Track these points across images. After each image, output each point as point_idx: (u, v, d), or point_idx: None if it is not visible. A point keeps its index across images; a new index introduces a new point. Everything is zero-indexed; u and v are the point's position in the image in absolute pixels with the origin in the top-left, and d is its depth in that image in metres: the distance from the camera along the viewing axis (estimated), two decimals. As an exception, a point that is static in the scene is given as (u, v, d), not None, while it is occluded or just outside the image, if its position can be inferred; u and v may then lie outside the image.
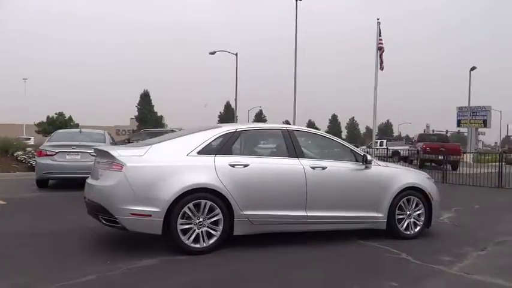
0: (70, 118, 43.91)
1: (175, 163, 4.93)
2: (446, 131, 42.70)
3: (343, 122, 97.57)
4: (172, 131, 20.55)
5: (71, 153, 10.34)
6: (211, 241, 4.91)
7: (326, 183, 5.49)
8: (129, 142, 18.32)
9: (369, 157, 5.76)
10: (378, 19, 21.65)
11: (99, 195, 4.89)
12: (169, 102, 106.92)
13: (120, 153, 4.87)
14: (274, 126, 5.84)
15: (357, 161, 5.79)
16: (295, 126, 6.08)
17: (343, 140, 6.94)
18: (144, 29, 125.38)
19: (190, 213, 4.82)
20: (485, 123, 43.50)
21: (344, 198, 5.59)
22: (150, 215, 4.68)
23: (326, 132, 10.66)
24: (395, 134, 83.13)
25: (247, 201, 5.05)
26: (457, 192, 12.49)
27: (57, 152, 10.28)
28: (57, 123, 41.69)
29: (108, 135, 12.16)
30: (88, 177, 10.18)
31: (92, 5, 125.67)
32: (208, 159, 5.04)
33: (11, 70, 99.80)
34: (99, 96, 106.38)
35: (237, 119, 40.05)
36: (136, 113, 70.22)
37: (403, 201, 5.91)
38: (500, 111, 54.71)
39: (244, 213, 5.04)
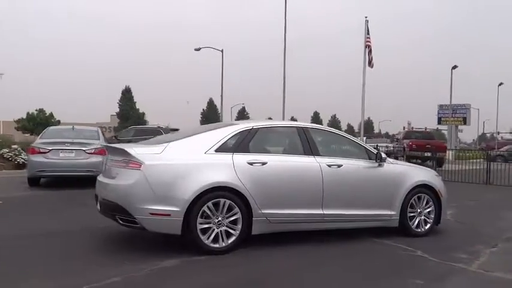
0: (51, 115, 42.73)
1: (194, 161, 4.83)
2: (425, 128, 43.50)
3: (325, 120, 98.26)
4: (159, 127, 20.42)
5: (65, 150, 10.06)
6: (230, 240, 4.83)
7: (342, 181, 5.48)
8: (117, 139, 18.02)
9: (383, 155, 5.78)
10: (366, 17, 21.93)
11: (116, 194, 4.75)
12: (150, 99, 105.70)
13: (137, 151, 4.75)
14: (290, 123, 5.80)
15: (370, 158, 5.80)
16: (310, 124, 6.06)
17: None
18: (129, 28, 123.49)
19: (209, 212, 4.73)
20: (465, 121, 44.50)
21: (359, 196, 5.60)
22: (170, 215, 4.58)
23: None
24: (376, 131, 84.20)
25: (265, 200, 4.99)
26: (447, 189, 12.64)
27: (50, 150, 9.99)
28: (37, 119, 40.66)
29: (101, 132, 11.90)
30: (81, 174, 10.14)
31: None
32: (227, 157, 4.96)
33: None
34: (77, 94, 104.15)
35: (221, 117, 39.79)
36: (118, 110, 69.03)
37: (414, 199, 5.95)
38: (478, 109, 56.03)
39: (263, 212, 4.98)
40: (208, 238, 4.72)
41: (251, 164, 5.01)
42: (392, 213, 5.80)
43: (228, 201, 4.81)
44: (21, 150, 14.53)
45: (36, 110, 43.50)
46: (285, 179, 5.18)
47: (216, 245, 4.76)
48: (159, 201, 4.57)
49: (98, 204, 5.14)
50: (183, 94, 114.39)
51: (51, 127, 12.99)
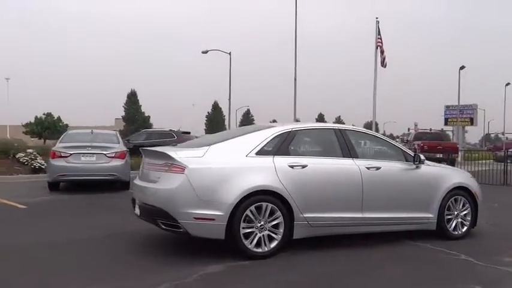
0: (59, 118, 42.83)
1: (237, 164, 4.77)
2: (430, 129, 43.30)
3: (330, 121, 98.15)
4: (171, 130, 20.40)
5: (86, 154, 10.03)
6: (273, 245, 4.77)
7: (381, 184, 5.41)
8: (129, 142, 17.97)
9: (421, 156, 5.70)
10: (376, 18, 21.87)
11: (158, 198, 4.69)
12: (156, 102, 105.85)
13: (179, 154, 4.69)
14: (327, 125, 5.73)
15: (406, 160, 5.72)
16: (347, 126, 5.99)
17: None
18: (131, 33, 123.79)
19: (252, 217, 4.67)
20: (472, 121, 44.31)
21: (398, 199, 5.52)
22: (214, 219, 4.52)
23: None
24: (381, 132, 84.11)
25: (306, 203, 4.92)
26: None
27: (71, 154, 9.95)
28: (45, 123, 40.75)
29: (120, 135, 11.87)
30: (102, 178, 10.09)
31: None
32: (268, 160, 4.90)
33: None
34: (82, 98, 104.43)
35: (228, 120, 39.74)
36: (123, 113, 69.09)
37: (451, 201, 5.87)
38: (484, 110, 55.79)
39: (304, 215, 4.91)
40: (251, 243, 4.66)
41: (292, 167, 4.95)
42: (430, 215, 5.71)
43: (270, 205, 4.74)
44: (37, 155, 14.50)
45: (44, 114, 43.59)
46: (325, 182, 5.12)
47: (259, 250, 4.70)
48: (203, 206, 4.51)
49: (137, 209, 5.08)
50: (191, 96, 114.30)
51: (70, 131, 12.96)
